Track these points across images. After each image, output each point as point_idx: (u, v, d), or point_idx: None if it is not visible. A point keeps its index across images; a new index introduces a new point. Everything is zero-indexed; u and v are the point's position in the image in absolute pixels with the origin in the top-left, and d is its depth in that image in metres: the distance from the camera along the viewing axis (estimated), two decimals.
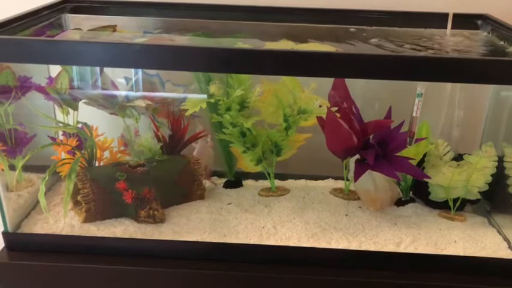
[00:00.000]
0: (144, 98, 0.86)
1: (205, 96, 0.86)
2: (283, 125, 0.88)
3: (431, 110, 0.95)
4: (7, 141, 0.89)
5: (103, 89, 0.88)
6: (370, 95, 0.95)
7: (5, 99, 0.85)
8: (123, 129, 0.92)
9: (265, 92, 0.87)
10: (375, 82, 0.98)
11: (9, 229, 0.82)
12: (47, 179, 0.81)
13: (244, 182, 0.99)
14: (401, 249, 0.81)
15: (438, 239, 0.84)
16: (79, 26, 0.96)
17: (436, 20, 0.93)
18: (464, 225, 0.88)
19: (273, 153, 0.92)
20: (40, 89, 0.87)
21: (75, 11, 0.99)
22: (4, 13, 0.81)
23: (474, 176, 0.86)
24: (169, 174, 0.88)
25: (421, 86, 0.75)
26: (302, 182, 1.01)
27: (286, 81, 0.88)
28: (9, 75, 0.84)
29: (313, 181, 1.01)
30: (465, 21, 0.94)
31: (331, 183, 1.00)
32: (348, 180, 0.94)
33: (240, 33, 0.94)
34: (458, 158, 0.89)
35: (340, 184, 0.98)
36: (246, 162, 0.93)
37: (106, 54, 0.73)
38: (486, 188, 0.87)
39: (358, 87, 0.92)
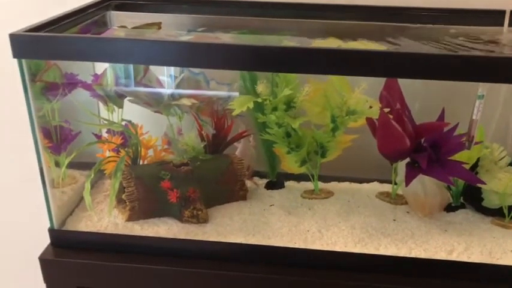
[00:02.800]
0: (188, 96, 0.85)
1: (251, 95, 0.84)
2: (330, 126, 0.86)
3: (485, 112, 0.91)
4: (52, 137, 0.89)
5: (148, 87, 0.87)
6: (421, 96, 0.92)
7: (52, 95, 0.85)
8: (166, 127, 0.91)
9: (313, 91, 0.85)
10: (425, 82, 0.95)
11: (55, 226, 0.83)
12: (92, 176, 0.81)
13: (286, 183, 0.97)
14: (454, 257, 0.78)
15: (493, 248, 0.80)
16: (123, 23, 0.95)
17: (492, 17, 0.89)
18: None
19: (317, 155, 0.90)
20: (86, 86, 0.87)
21: (120, 8, 0.99)
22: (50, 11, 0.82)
23: None
24: (212, 174, 0.87)
25: (482, 87, 0.71)
26: (346, 184, 0.98)
27: (334, 81, 0.85)
28: (56, 72, 0.84)
29: (358, 184, 0.98)
30: None
31: (376, 186, 0.97)
32: (396, 184, 0.90)
33: (284, 31, 0.92)
34: None
35: (385, 187, 0.94)
36: (290, 163, 0.91)
37: (152, 52, 0.72)
38: None
39: (409, 87, 0.89)
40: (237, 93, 0.87)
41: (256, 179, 0.98)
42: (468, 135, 0.75)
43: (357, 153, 0.91)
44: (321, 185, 0.96)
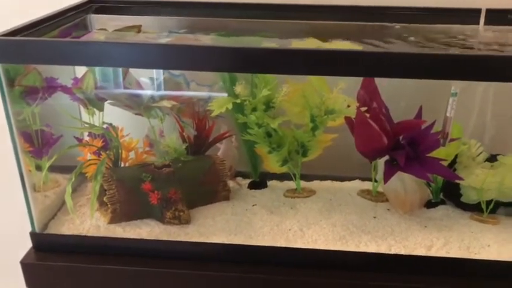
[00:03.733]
0: (169, 98, 0.86)
1: (230, 96, 0.84)
2: (309, 126, 0.87)
3: (463, 109, 0.92)
4: (34, 142, 0.89)
5: (128, 89, 0.88)
6: (398, 94, 0.93)
7: (31, 100, 0.85)
8: (147, 129, 0.92)
9: (292, 92, 0.86)
10: (403, 81, 0.96)
11: (37, 229, 0.83)
12: (73, 180, 0.81)
13: (269, 183, 0.98)
14: (433, 252, 0.79)
15: (471, 243, 0.81)
16: (104, 26, 0.96)
17: (468, 15, 0.91)
18: (498, 228, 0.85)
19: (298, 154, 0.91)
20: (66, 89, 0.87)
21: (100, 11, 0.99)
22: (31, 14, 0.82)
23: (508, 177, 0.83)
24: (194, 175, 0.88)
25: (455, 85, 0.72)
26: (328, 183, 0.99)
27: (313, 81, 0.86)
28: (36, 76, 0.84)
29: (340, 182, 0.99)
30: (499, 16, 0.91)
31: (357, 184, 0.98)
32: (376, 181, 0.91)
33: (264, 32, 0.92)
34: (492, 159, 0.86)
35: (367, 185, 0.95)
36: (272, 163, 0.92)
37: (132, 54, 0.73)
38: None
39: (386, 86, 0.90)
40: (223, 94, 0.87)
41: (239, 179, 0.98)
42: (443, 132, 0.76)
43: (338, 152, 0.91)
44: (304, 184, 0.96)
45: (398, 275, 0.77)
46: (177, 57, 0.72)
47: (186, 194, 0.85)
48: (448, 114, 0.73)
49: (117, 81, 0.88)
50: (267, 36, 0.90)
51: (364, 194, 0.93)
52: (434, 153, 0.83)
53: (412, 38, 0.85)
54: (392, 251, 0.79)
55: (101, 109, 0.89)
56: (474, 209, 0.88)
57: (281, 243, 0.81)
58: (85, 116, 0.93)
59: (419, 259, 0.78)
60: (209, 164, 0.89)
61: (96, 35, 0.93)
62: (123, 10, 0.99)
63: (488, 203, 0.86)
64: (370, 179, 0.93)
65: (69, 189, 0.80)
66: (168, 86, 0.88)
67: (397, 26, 0.91)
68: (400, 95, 0.94)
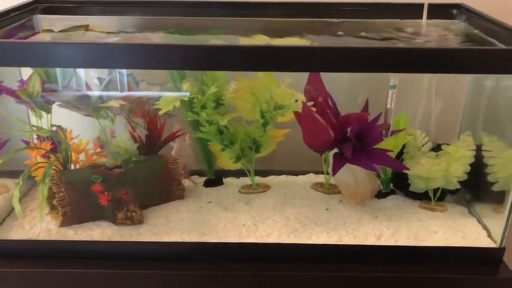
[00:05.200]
0: (117, 98, 0.85)
1: (187, 94, 0.84)
2: (260, 121, 0.88)
3: (409, 100, 0.95)
4: None
5: (76, 90, 0.86)
6: (350, 89, 0.95)
7: None
8: (99, 131, 0.91)
9: (241, 88, 0.86)
10: (354, 75, 0.98)
11: None
12: (21, 184, 0.79)
13: (225, 180, 0.98)
14: (382, 242, 0.81)
15: (418, 231, 0.83)
16: (51, 26, 0.94)
17: (412, 10, 0.93)
18: (445, 215, 0.88)
19: (252, 150, 0.91)
20: (11, 92, 0.85)
21: (47, 11, 0.97)
22: None
23: (453, 166, 0.86)
24: (146, 175, 0.87)
25: (394, 78, 0.74)
26: (283, 177, 1.00)
27: (262, 77, 0.87)
28: None
29: (294, 176, 1.00)
30: (440, 11, 0.94)
31: (312, 178, 0.99)
32: (328, 174, 0.93)
33: (215, 30, 0.93)
34: (437, 148, 0.88)
35: (321, 178, 0.97)
36: (225, 160, 0.92)
37: (78, 55, 0.72)
38: (465, 177, 0.86)
39: (338, 80, 0.91)
40: (173, 93, 0.87)
41: (195, 177, 0.98)
42: (384, 124, 0.78)
43: (292, 146, 0.93)
44: (259, 179, 0.97)
45: (348, 265, 0.79)
46: (124, 56, 0.72)
47: (138, 195, 0.85)
48: (388, 106, 0.75)
49: (64, 83, 0.86)
50: (216, 33, 0.90)
51: (318, 186, 0.95)
52: (383, 145, 0.85)
53: (360, 33, 0.86)
54: (343, 242, 0.81)
55: (49, 111, 0.88)
56: (423, 197, 0.91)
57: (235, 238, 0.81)
58: (34, 119, 0.92)
59: (369, 248, 0.80)
60: (161, 163, 0.89)
61: (42, 36, 0.92)
62: (70, 10, 0.97)
63: (435, 191, 0.89)
64: (323, 172, 0.95)
65: (16, 194, 0.78)
66: (116, 85, 0.87)
67: (344, 21, 0.93)
68: (352, 90, 0.96)
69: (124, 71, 0.87)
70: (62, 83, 0.86)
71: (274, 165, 1.00)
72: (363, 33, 0.85)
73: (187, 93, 0.84)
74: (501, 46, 0.77)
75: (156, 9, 0.98)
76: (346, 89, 0.95)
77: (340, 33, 0.87)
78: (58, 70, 0.87)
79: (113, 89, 0.87)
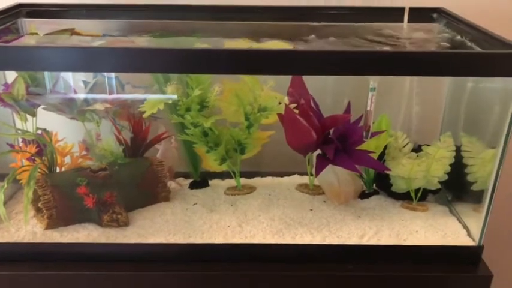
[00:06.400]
0: (103, 101, 0.86)
1: (174, 96, 0.85)
2: (244, 124, 0.89)
3: (391, 102, 0.97)
4: None
5: (61, 93, 0.87)
6: (333, 91, 0.96)
7: None
8: (84, 133, 0.91)
9: (226, 91, 0.87)
10: (337, 78, 1.00)
11: None
12: (5, 187, 0.80)
13: (211, 182, 0.99)
14: (364, 241, 0.83)
15: (400, 230, 0.85)
16: (36, 30, 0.94)
17: (393, 14, 0.95)
18: (426, 215, 0.90)
19: (236, 152, 0.92)
20: None
21: (32, 15, 0.97)
22: None
23: (433, 166, 0.88)
24: (131, 177, 0.88)
25: (373, 80, 0.76)
26: (268, 179, 1.01)
27: (246, 80, 0.88)
28: None
29: (280, 178, 1.01)
30: (421, 15, 0.96)
31: (297, 179, 1.01)
32: (312, 175, 0.95)
33: (200, 33, 0.94)
34: (418, 149, 0.90)
35: (305, 180, 0.98)
36: (211, 162, 0.93)
37: (63, 58, 0.72)
38: (445, 177, 0.88)
39: (320, 83, 0.93)
40: (150, 96, 0.87)
41: (180, 179, 0.99)
42: (365, 125, 0.80)
43: (276, 148, 0.94)
44: (245, 181, 0.98)
45: (332, 264, 0.80)
46: (109, 60, 0.72)
47: (123, 197, 0.85)
48: (368, 108, 0.77)
49: (49, 86, 0.87)
50: (202, 36, 0.91)
51: (302, 188, 0.96)
52: (365, 146, 0.86)
53: (338, 36, 0.88)
54: (327, 242, 0.82)
55: (33, 114, 0.88)
56: (405, 197, 0.92)
57: (219, 240, 0.82)
58: (19, 122, 0.92)
59: (352, 248, 0.81)
60: (146, 165, 0.90)
61: (27, 39, 0.92)
62: (55, 14, 0.98)
63: (417, 191, 0.90)
64: (307, 174, 0.96)
65: (1, 197, 0.79)
66: (102, 88, 0.88)
67: (326, 25, 0.95)
68: (334, 92, 0.97)
69: (110, 74, 0.88)
70: (48, 86, 0.86)
71: (260, 167, 1.01)
72: (342, 37, 0.87)
73: (175, 96, 0.85)
74: (479, 49, 0.79)
75: (142, 12, 0.99)
76: (329, 91, 0.97)
77: (312, 38, 0.88)
78: (43, 73, 0.87)
79: (98, 92, 0.88)
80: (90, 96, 0.86)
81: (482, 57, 0.73)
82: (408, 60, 0.72)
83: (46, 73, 0.87)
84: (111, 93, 0.88)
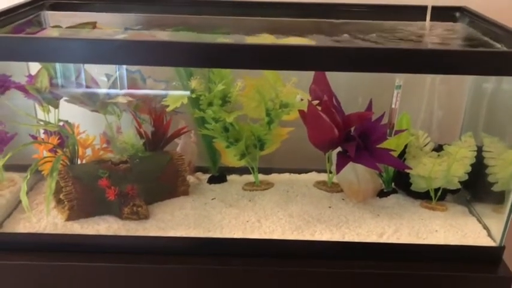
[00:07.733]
0: (125, 94, 0.86)
1: (187, 92, 0.86)
2: (265, 120, 0.89)
3: (412, 101, 0.96)
4: None
5: (84, 86, 0.87)
6: (354, 88, 0.96)
7: None
8: (105, 126, 0.92)
9: (248, 86, 0.87)
10: (358, 75, 0.99)
11: None
12: (28, 177, 0.80)
13: (229, 177, 0.99)
14: (384, 239, 0.83)
15: (420, 229, 0.85)
16: (59, 23, 0.95)
17: (415, 12, 0.95)
18: (446, 214, 0.89)
19: (256, 148, 0.92)
20: (20, 87, 0.86)
21: (55, 8, 0.98)
22: None
23: (454, 166, 0.87)
24: (152, 171, 0.88)
25: (399, 78, 0.76)
26: (286, 175, 1.01)
27: (268, 76, 0.88)
28: None
29: (297, 174, 1.01)
30: (443, 13, 0.95)
31: (314, 176, 1.01)
32: (331, 172, 0.94)
33: (220, 28, 0.94)
34: (439, 148, 0.90)
35: (323, 177, 0.98)
36: (230, 157, 0.93)
37: (86, 51, 0.73)
38: (466, 177, 0.88)
39: (341, 80, 0.92)
40: (173, 91, 0.88)
41: (199, 174, 0.99)
42: (389, 123, 0.80)
43: (295, 145, 0.94)
44: (262, 177, 0.99)
45: (351, 261, 0.80)
46: (132, 52, 0.73)
47: (144, 190, 0.86)
48: (393, 106, 0.77)
49: (72, 78, 0.87)
50: (223, 32, 0.91)
51: (320, 185, 0.96)
52: (385, 144, 0.86)
53: (361, 34, 0.88)
54: (346, 239, 0.82)
55: (56, 106, 0.89)
56: (424, 197, 0.92)
57: (238, 234, 0.83)
58: (41, 114, 0.93)
59: (371, 246, 0.81)
60: (167, 159, 0.90)
61: (50, 32, 0.93)
62: (77, 7, 0.98)
63: (436, 190, 0.90)
64: (325, 171, 0.96)
65: (24, 187, 0.79)
66: (123, 82, 0.88)
67: (349, 22, 0.95)
68: (356, 90, 0.97)
69: (132, 67, 0.89)
70: (70, 78, 0.87)
71: (276, 163, 1.01)
72: (373, 35, 0.86)
73: (188, 93, 0.85)
74: (502, 48, 0.78)
75: (163, 7, 1.00)
76: (350, 88, 0.96)
77: (345, 35, 0.88)
78: (66, 65, 0.88)
79: (121, 86, 0.88)
80: (112, 90, 0.87)
81: (505, 56, 0.73)
82: (430, 58, 0.72)
83: (69, 65, 0.88)
84: (133, 87, 0.88)
